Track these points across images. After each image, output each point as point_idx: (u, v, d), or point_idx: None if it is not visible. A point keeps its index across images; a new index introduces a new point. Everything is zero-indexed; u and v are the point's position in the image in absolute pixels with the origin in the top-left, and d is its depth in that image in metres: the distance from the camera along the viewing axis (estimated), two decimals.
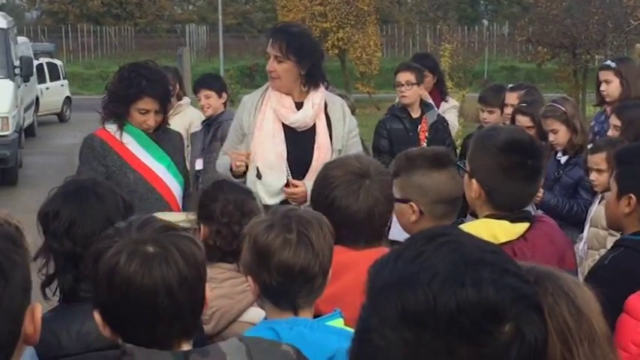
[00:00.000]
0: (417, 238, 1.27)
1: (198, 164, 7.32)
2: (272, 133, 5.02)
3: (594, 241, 5.21)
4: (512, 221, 3.17)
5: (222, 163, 5.19)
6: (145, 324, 2.05)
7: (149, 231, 2.11)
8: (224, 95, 7.51)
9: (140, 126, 5.01)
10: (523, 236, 3.15)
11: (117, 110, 5.01)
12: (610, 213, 3.59)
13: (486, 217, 3.20)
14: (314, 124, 5.06)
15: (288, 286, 2.53)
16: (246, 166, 4.99)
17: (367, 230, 3.03)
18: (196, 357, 2.04)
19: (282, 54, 4.95)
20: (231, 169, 5.01)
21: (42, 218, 2.85)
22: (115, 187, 3.01)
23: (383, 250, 3.02)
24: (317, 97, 5.07)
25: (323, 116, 5.08)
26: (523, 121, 6.06)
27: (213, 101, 7.49)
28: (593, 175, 5.23)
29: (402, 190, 3.33)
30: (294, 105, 5.05)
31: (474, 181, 3.21)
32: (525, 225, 3.18)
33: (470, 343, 1.16)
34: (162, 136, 5.13)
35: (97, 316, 2.12)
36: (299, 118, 5.03)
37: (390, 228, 4.06)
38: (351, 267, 2.80)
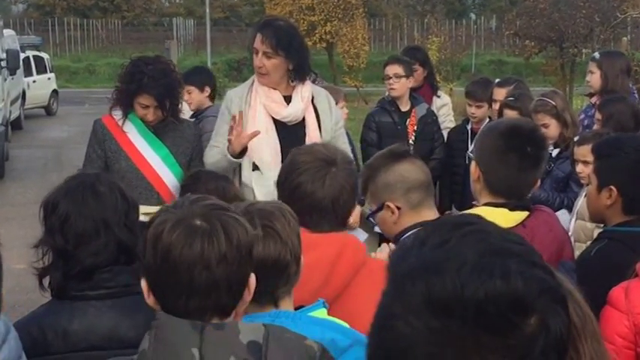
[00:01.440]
0: (442, 225, 1.26)
1: None
2: (265, 128, 5.02)
3: (581, 234, 5.22)
4: (512, 209, 3.21)
5: (213, 153, 5.10)
6: (180, 295, 2.09)
7: (201, 206, 2.16)
8: (206, 89, 7.34)
9: (141, 118, 5.17)
10: (522, 224, 3.19)
11: (122, 101, 5.19)
12: (592, 206, 3.61)
13: (485, 205, 3.23)
14: (303, 117, 5.07)
15: (264, 280, 2.54)
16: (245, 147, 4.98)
17: (331, 217, 3.01)
18: (211, 329, 2.07)
19: (272, 50, 4.95)
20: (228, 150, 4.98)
21: (43, 208, 2.85)
22: (118, 187, 2.98)
23: (346, 236, 3.05)
24: (305, 90, 5.08)
25: (311, 108, 5.10)
26: (511, 115, 6.07)
27: (195, 96, 7.40)
28: (579, 167, 5.25)
29: (375, 197, 3.34)
30: (282, 99, 5.05)
31: (473, 163, 3.30)
32: (524, 213, 3.23)
33: (496, 333, 1.15)
34: (164, 128, 5.21)
35: (143, 283, 2.16)
36: (291, 112, 5.03)
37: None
38: (313, 247, 2.80)
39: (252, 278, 2.21)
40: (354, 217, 3.52)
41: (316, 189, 3.02)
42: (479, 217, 1.31)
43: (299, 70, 5.05)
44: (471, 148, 3.97)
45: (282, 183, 3.12)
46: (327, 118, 5.12)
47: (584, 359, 1.92)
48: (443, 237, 1.23)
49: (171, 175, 5.22)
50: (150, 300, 2.17)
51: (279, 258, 2.53)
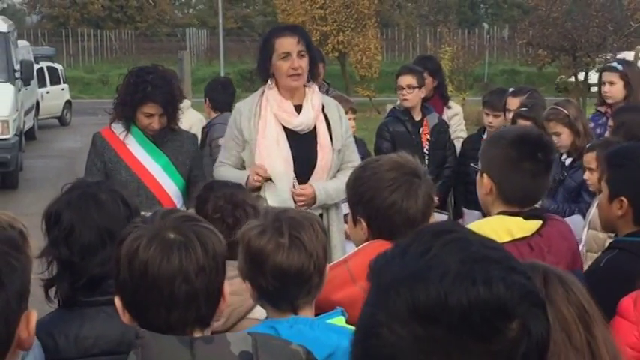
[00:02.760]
0: (423, 234, 1.28)
1: None
2: (276, 139, 5.02)
3: (593, 244, 5.21)
4: (526, 218, 3.21)
5: (225, 175, 4.96)
6: (160, 309, 2.09)
7: (172, 219, 2.16)
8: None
9: (145, 128, 5.18)
10: (538, 232, 3.19)
11: (124, 113, 5.19)
12: (603, 215, 3.61)
13: (499, 214, 3.23)
14: (314, 126, 5.08)
15: (284, 289, 2.55)
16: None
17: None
18: (200, 343, 2.07)
19: (305, 49, 5.01)
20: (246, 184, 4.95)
21: (46, 219, 2.85)
22: (120, 195, 2.97)
23: None
24: (315, 99, 5.09)
25: (322, 117, 5.10)
26: (525, 125, 6.06)
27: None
28: (586, 174, 5.25)
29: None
30: (293, 108, 5.06)
31: (485, 176, 3.29)
32: (538, 222, 3.23)
33: (480, 339, 1.17)
34: (164, 138, 5.23)
35: (117, 301, 2.16)
36: (302, 121, 5.04)
37: None
38: None
39: (227, 287, 2.21)
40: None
41: (410, 205, 2.97)
42: (457, 224, 1.34)
43: (312, 69, 5.10)
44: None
45: (368, 201, 3.01)
46: (338, 127, 5.12)
47: (599, 342, 1.97)
48: (424, 246, 1.24)
49: (172, 184, 5.24)
50: (125, 317, 2.16)
51: (302, 269, 2.54)
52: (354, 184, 3.10)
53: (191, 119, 8.04)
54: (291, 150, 5.02)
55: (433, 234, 1.27)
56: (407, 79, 7.07)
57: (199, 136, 7.54)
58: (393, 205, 2.96)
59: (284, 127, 5.05)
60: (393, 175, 3.00)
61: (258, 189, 4.97)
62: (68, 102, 27.77)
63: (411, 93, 7.04)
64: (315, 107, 5.07)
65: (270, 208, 2.79)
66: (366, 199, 3.03)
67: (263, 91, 5.13)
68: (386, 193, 2.97)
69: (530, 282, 1.24)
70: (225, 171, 5.13)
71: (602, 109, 6.90)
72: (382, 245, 2.82)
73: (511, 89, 7.12)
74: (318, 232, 2.61)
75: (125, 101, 5.17)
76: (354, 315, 2.62)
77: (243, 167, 5.14)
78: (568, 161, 5.91)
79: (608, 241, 4.80)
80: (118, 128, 5.22)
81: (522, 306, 1.20)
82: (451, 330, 1.17)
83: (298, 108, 5.07)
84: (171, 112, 5.18)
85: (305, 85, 5.08)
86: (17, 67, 17.53)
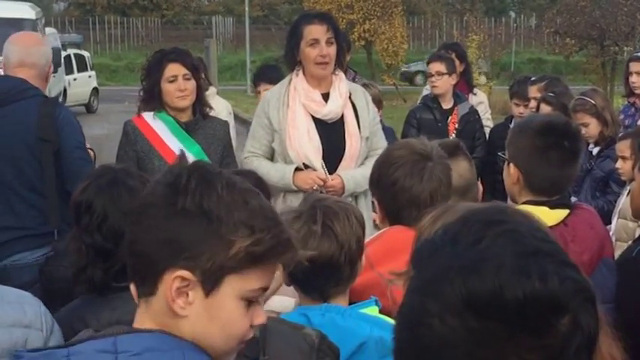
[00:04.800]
0: (472, 222, 1.27)
1: None
2: (307, 129, 5.01)
3: (622, 233, 5.18)
4: (552, 207, 3.18)
5: (265, 172, 4.79)
6: None
7: None
8: None
9: (174, 99, 5.07)
10: (563, 222, 3.16)
11: (150, 94, 5.12)
12: (636, 203, 3.57)
13: (525, 203, 3.21)
14: (342, 114, 5.07)
15: (313, 277, 2.54)
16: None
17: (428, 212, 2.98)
18: None
19: (334, 37, 4.99)
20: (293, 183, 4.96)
21: (74, 208, 2.84)
22: (147, 180, 2.97)
23: None
24: (342, 87, 5.08)
25: (349, 105, 5.09)
26: (546, 110, 6.04)
27: None
28: (619, 163, 5.22)
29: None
30: (321, 97, 5.05)
31: (512, 165, 3.27)
32: (565, 212, 3.20)
33: (533, 333, 1.17)
34: (195, 125, 5.18)
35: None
36: (331, 110, 5.03)
37: None
38: (410, 246, 2.78)
39: None
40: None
41: (414, 183, 2.98)
42: (506, 213, 1.31)
43: (339, 58, 5.08)
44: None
45: (376, 180, 3.08)
46: (366, 114, 5.11)
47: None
48: (475, 235, 1.24)
49: None
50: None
51: (332, 259, 2.53)
52: (373, 167, 3.16)
53: (218, 107, 8.03)
54: (322, 139, 5.01)
55: (484, 223, 1.25)
56: (436, 66, 7.08)
57: (231, 123, 7.50)
58: (396, 182, 2.98)
59: (312, 117, 5.04)
60: (400, 154, 3.04)
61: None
62: (95, 89, 27.90)
63: (440, 80, 7.03)
64: (342, 95, 5.06)
65: (310, 194, 2.77)
66: (375, 178, 3.09)
67: (290, 80, 5.12)
68: (390, 170, 3.01)
69: (581, 276, 1.23)
70: (263, 166, 5.01)
71: (632, 100, 6.85)
72: (400, 232, 2.82)
73: (532, 79, 7.11)
74: (354, 224, 2.59)
75: (149, 78, 5.12)
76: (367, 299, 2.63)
77: (272, 156, 5.13)
78: (595, 150, 5.88)
79: (639, 230, 4.77)
80: (148, 116, 5.16)
81: (575, 301, 1.19)
82: (505, 323, 1.17)
83: (325, 96, 5.06)
84: (195, 74, 5.12)
85: (333, 73, 5.07)
86: None
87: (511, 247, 1.21)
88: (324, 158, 4.99)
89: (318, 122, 5.03)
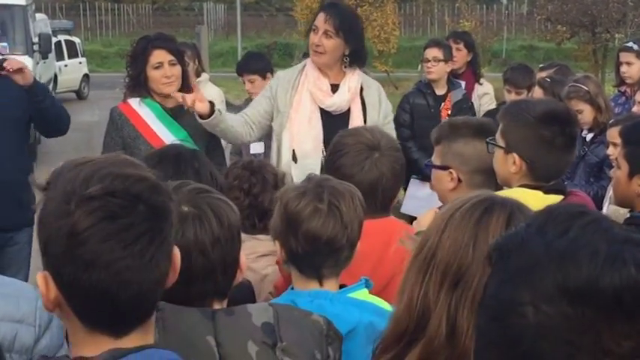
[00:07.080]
0: (555, 214, 1.29)
1: (256, 148, 6.36)
2: (308, 116, 5.04)
3: (614, 219, 5.19)
4: (546, 192, 3.18)
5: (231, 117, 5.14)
6: (179, 282, 2.06)
7: (184, 192, 2.14)
8: (269, 76, 6.89)
9: (160, 85, 5.09)
10: None
11: (137, 81, 5.15)
12: (620, 191, 3.57)
13: (520, 186, 3.19)
14: (349, 108, 5.07)
15: (313, 255, 2.54)
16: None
17: (370, 202, 2.93)
18: (222, 315, 2.07)
19: (334, 30, 4.98)
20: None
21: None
22: (209, 162, 2.97)
23: (394, 223, 3.03)
24: (353, 81, 5.10)
25: (358, 100, 5.11)
26: (538, 94, 6.05)
27: (258, 84, 6.93)
28: (610, 149, 5.23)
29: (443, 157, 3.32)
30: (330, 88, 5.06)
31: (514, 155, 3.21)
32: (559, 197, 3.17)
33: (629, 320, 1.18)
34: (182, 111, 5.17)
35: None
36: (335, 102, 5.06)
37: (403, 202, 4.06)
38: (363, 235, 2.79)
39: (243, 257, 2.21)
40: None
41: (355, 172, 3.00)
42: (585, 206, 1.34)
43: (354, 57, 5.08)
44: None
45: (325, 164, 3.17)
46: (374, 111, 5.12)
47: None
48: (562, 226, 1.25)
49: None
50: None
51: (335, 239, 2.53)
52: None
53: (210, 93, 7.97)
54: (324, 130, 5.01)
55: (569, 215, 1.28)
56: (433, 52, 7.10)
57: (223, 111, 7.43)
58: (339, 168, 3.04)
59: (319, 106, 5.07)
60: (347, 141, 3.10)
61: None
62: (86, 75, 27.81)
63: (436, 66, 7.05)
64: (351, 90, 5.08)
65: (314, 174, 2.78)
66: (329, 164, 3.16)
67: (304, 65, 5.14)
68: (336, 157, 3.08)
69: None
70: (230, 117, 5.19)
71: (622, 88, 6.86)
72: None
73: (540, 65, 7.11)
74: (357, 207, 2.60)
75: (134, 65, 5.14)
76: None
77: (258, 124, 5.16)
78: (589, 136, 5.89)
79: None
80: (134, 102, 5.18)
81: None
82: (601, 310, 1.18)
83: (335, 87, 5.07)
84: (180, 60, 5.14)
85: (346, 67, 5.07)
86: (35, 40, 17.53)
87: (602, 236, 1.23)
88: (325, 150, 5.00)
89: (324, 112, 5.07)
